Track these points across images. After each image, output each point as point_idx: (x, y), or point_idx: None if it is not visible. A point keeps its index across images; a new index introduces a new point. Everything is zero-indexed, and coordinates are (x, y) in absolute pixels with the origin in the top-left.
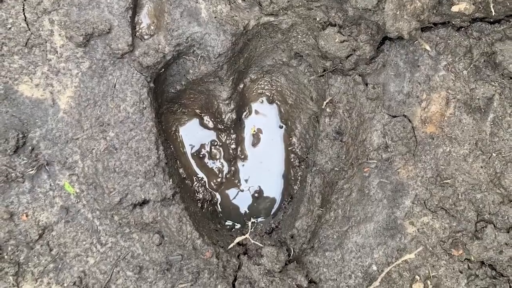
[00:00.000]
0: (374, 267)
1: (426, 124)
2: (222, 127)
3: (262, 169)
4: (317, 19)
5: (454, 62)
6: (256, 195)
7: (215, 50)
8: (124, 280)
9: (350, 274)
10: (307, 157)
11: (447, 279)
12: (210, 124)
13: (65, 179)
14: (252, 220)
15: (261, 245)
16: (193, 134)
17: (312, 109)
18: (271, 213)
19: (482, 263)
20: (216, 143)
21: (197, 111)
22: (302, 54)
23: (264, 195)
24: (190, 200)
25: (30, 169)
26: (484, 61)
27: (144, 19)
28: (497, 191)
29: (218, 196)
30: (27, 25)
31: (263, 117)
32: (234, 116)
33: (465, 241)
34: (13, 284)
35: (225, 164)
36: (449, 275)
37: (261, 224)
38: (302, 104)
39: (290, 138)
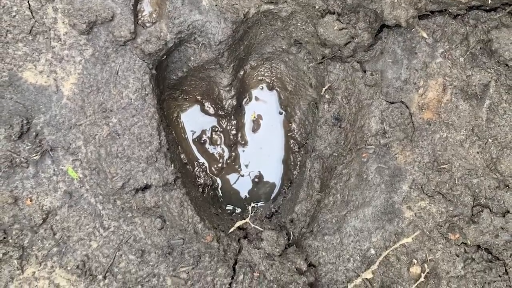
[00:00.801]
0: (372, 251)
1: (423, 110)
2: (223, 113)
3: (262, 155)
4: (316, 7)
5: (451, 49)
6: (256, 180)
7: (216, 37)
8: (126, 263)
9: (349, 257)
10: (306, 143)
11: (444, 263)
12: (211, 110)
13: (68, 164)
14: (252, 204)
15: (261, 229)
16: (194, 120)
17: (311, 95)
18: (271, 198)
19: (479, 247)
20: (217, 129)
21: (198, 97)
22: (301, 42)
23: (264, 180)
24: (191, 185)
25: (34, 155)
26: (480, 48)
27: (146, 7)
28: (493, 176)
29: (218, 181)
30: (31, 13)
31: (263, 104)
32: (234, 103)
33: (462, 225)
34: (17, 267)
35: (225, 149)
36: (446, 258)
37: (261, 209)
38: (301, 91)
39: (290, 124)
